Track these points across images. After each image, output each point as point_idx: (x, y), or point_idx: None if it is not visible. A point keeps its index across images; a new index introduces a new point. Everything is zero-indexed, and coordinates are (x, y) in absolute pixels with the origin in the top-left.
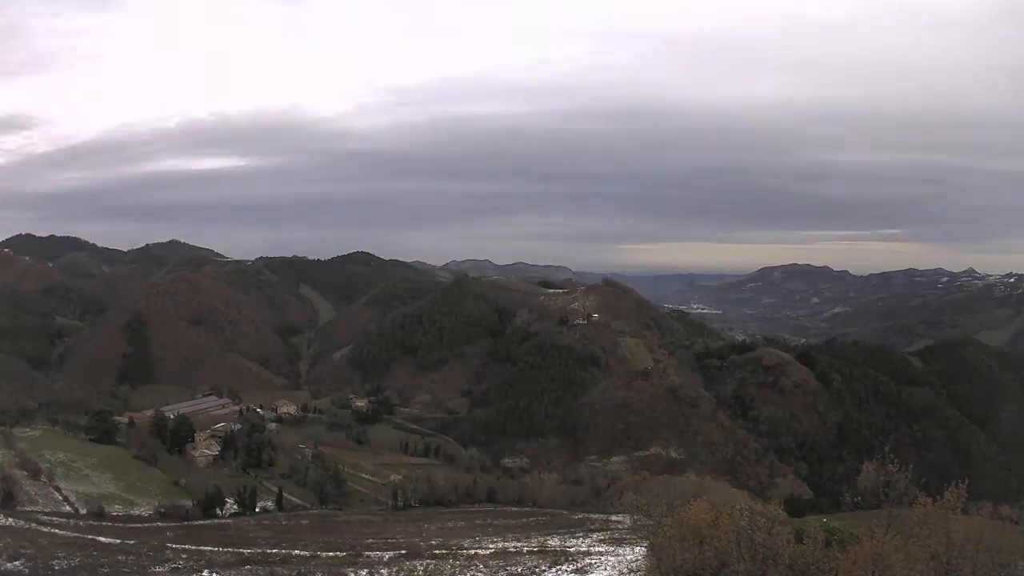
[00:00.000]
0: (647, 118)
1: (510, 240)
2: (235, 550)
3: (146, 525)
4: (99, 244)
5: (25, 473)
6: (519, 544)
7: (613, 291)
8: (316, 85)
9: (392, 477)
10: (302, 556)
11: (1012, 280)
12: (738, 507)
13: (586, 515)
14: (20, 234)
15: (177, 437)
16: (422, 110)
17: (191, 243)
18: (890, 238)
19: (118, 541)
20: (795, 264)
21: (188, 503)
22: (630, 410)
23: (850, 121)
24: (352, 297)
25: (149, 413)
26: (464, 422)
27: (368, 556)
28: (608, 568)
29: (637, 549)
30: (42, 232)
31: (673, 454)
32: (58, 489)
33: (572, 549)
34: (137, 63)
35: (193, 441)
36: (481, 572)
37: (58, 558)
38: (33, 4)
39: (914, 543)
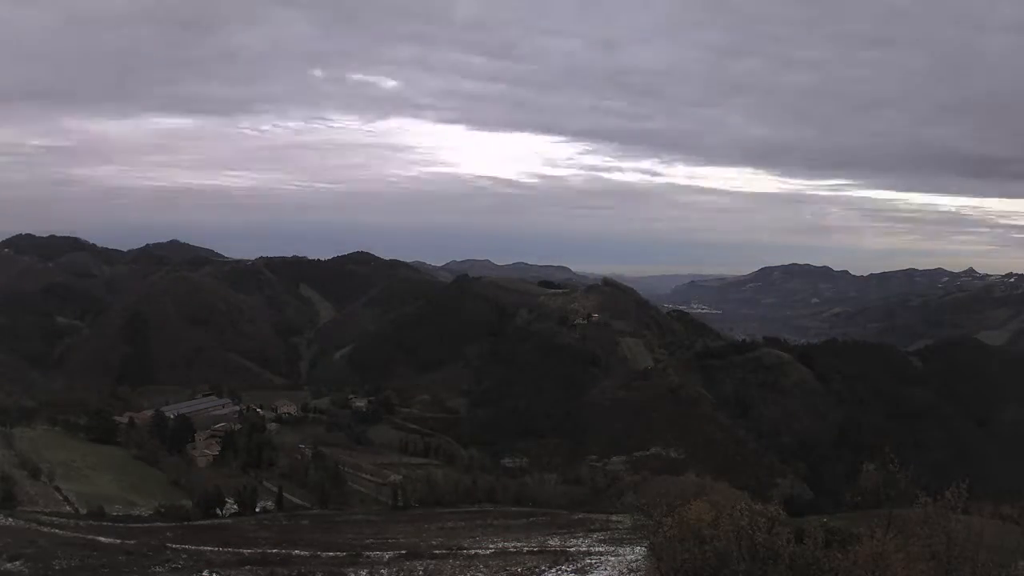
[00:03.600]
0: None
1: (510, 240)
2: (235, 550)
3: (146, 525)
4: (99, 244)
5: (25, 473)
6: (519, 544)
7: (613, 291)
8: None
9: (392, 477)
10: (302, 556)
11: (1012, 280)
12: (738, 507)
13: (586, 515)
14: (20, 234)
15: (177, 437)
16: None
17: (191, 243)
18: None
19: (118, 541)
20: (795, 264)
21: (188, 503)
22: (630, 410)
23: None
24: (352, 297)
25: (149, 413)
26: (464, 422)
27: (368, 556)
28: (608, 568)
29: (637, 549)
30: (42, 232)
31: (673, 454)
32: (58, 489)
33: (572, 549)
34: None
35: (193, 441)
36: (481, 572)
37: (58, 558)
38: None
39: (914, 543)
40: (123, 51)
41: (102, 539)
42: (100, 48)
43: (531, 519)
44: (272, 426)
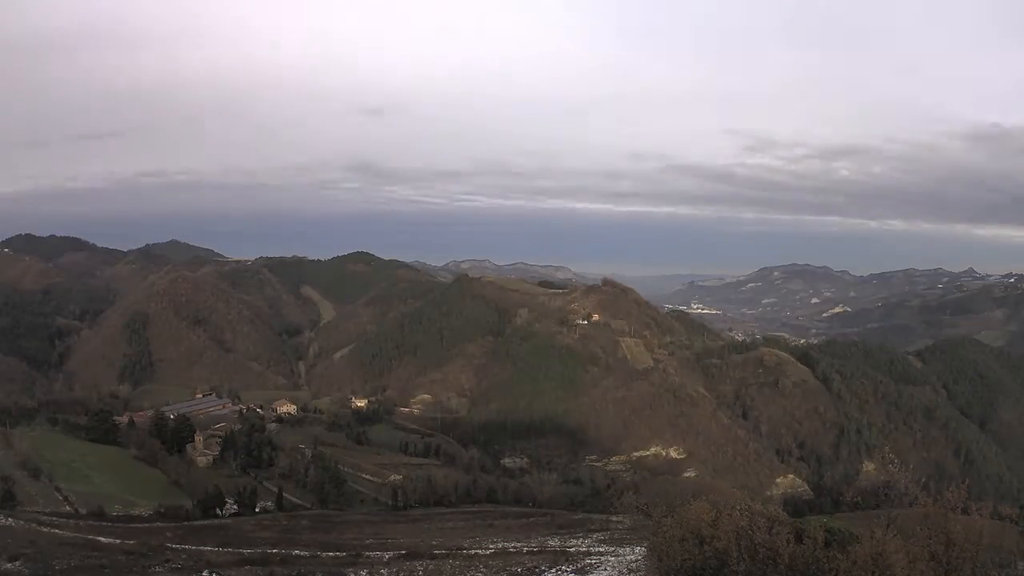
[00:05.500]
0: None
1: (510, 240)
2: (235, 550)
3: (146, 525)
4: (99, 244)
5: (25, 473)
6: (519, 544)
7: (613, 291)
8: None
9: (392, 477)
10: (302, 556)
11: (1011, 280)
12: (738, 507)
13: (586, 515)
14: (20, 234)
15: (177, 437)
16: None
17: (191, 243)
18: None
19: (118, 541)
20: (795, 264)
21: (188, 503)
22: (630, 410)
23: None
24: (352, 297)
25: (149, 413)
26: (464, 422)
27: (368, 556)
28: (608, 568)
29: (637, 549)
30: (43, 232)
31: (673, 454)
32: (58, 489)
33: (572, 549)
34: None
35: (193, 441)
36: (481, 572)
37: (58, 558)
38: None
39: (914, 543)
40: None
41: (102, 539)
42: None
43: (531, 519)
44: (272, 426)
